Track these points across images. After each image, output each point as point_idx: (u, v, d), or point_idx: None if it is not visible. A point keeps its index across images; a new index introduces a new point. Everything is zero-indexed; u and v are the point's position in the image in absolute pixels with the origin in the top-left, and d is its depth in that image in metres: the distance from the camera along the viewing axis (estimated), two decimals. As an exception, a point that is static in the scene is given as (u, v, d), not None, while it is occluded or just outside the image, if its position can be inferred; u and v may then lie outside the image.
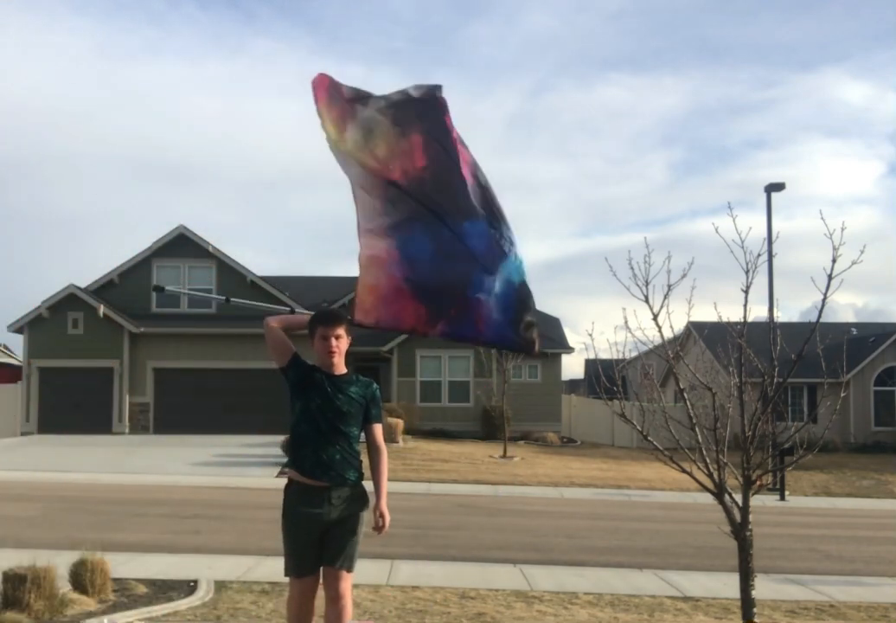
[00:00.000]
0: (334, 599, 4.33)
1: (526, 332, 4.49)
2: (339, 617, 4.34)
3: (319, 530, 4.29)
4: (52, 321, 26.49)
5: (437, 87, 4.56)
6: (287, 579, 4.47)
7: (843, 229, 5.72)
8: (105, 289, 27.41)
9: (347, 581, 4.37)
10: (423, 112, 4.48)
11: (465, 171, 4.48)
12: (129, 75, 77.87)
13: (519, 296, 4.50)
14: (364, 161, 4.45)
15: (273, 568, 7.95)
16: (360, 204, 4.49)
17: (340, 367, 4.43)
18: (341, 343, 4.40)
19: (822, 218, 5.85)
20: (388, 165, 4.43)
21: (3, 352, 39.85)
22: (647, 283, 6.34)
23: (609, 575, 9.25)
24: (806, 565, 10.44)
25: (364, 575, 7.55)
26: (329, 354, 4.36)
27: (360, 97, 4.52)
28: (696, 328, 26.76)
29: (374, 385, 4.55)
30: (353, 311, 4.62)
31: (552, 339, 31.34)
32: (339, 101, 4.52)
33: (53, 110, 74.26)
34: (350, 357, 4.49)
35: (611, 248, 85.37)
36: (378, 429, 4.49)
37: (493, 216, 4.52)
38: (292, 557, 4.34)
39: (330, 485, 4.29)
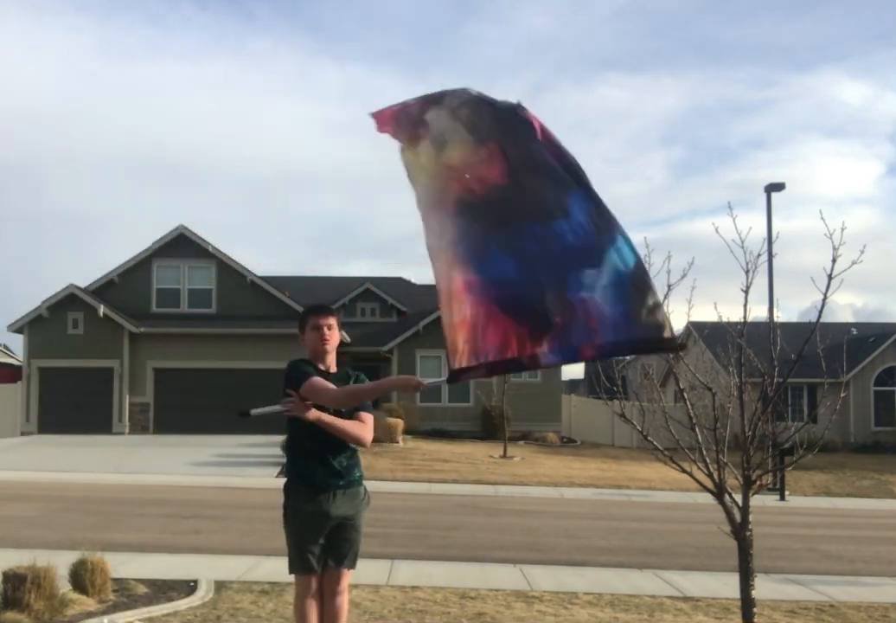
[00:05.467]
0: (334, 595, 4.36)
1: (650, 317, 3.63)
2: (338, 612, 4.37)
3: (327, 527, 4.29)
4: (52, 321, 26.47)
5: (518, 106, 3.95)
6: (288, 579, 4.47)
7: (842, 229, 5.73)
8: (105, 289, 27.39)
9: (348, 578, 4.44)
10: (501, 119, 3.90)
11: (552, 154, 3.81)
12: (128, 75, 77.91)
13: (633, 281, 3.68)
14: (437, 172, 3.97)
15: (273, 568, 7.94)
16: (428, 224, 3.96)
17: (333, 365, 4.41)
18: (333, 334, 4.38)
19: (821, 218, 5.86)
20: (462, 175, 3.92)
21: (3, 352, 39.89)
22: (646, 283, 6.33)
23: (609, 575, 9.25)
24: (806, 565, 10.43)
25: (364, 575, 7.54)
26: (322, 342, 4.33)
27: (432, 100, 4.01)
28: (696, 328, 26.75)
29: (362, 375, 4.48)
30: (450, 362, 4.01)
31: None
32: (407, 123, 4.03)
33: (53, 110, 74.34)
34: (349, 357, 4.46)
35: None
36: (364, 416, 4.26)
37: (589, 186, 3.81)
38: (299, 555, 4.31)
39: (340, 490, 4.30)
